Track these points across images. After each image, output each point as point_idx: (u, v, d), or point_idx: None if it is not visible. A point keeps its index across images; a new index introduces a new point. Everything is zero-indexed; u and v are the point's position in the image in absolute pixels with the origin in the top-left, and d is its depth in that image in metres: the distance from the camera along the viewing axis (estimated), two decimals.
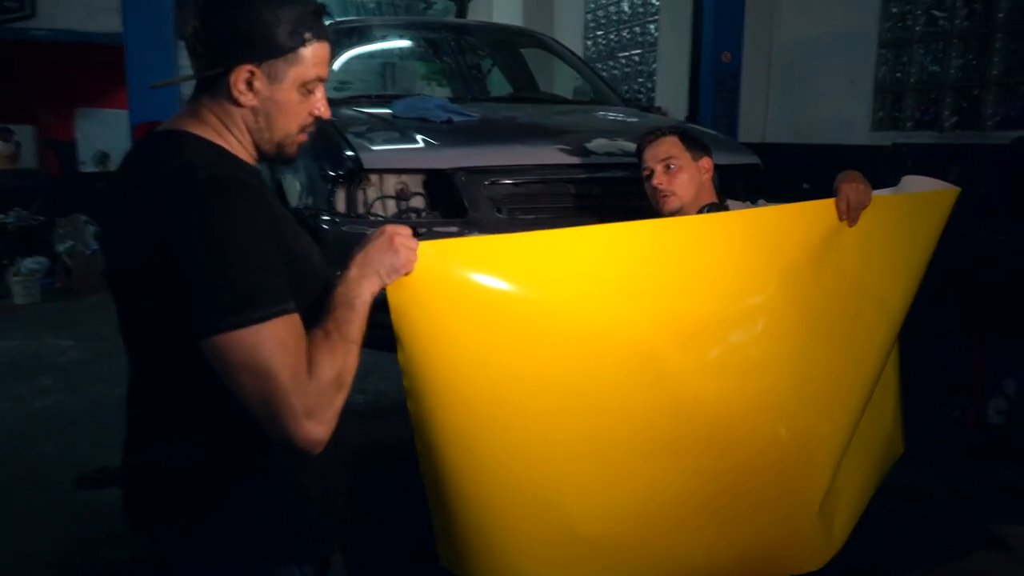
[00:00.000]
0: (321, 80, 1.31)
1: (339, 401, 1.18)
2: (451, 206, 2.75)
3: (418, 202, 2.84)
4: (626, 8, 8.81)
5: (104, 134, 9.78)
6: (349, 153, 2.76)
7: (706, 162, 2.20)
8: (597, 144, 2.81)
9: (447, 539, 1.66)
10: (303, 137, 1.36)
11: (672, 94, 6.89)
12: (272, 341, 1.11)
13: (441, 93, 4.23)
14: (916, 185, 2.06)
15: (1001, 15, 4.38)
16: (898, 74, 5.05)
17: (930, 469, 3.58)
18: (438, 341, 1.49)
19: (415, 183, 2.83)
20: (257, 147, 1.33)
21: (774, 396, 1.79)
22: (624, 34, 8.81)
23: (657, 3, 7.95)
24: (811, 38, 5.56)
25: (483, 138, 2.92)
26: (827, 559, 1.93)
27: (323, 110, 1.34)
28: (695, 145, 2.19)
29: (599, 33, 9.40)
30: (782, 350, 1.80)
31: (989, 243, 4.01)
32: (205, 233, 1.12)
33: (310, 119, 1.34)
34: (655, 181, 2.16)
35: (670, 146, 2.17)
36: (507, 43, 4.88)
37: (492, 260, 1.53)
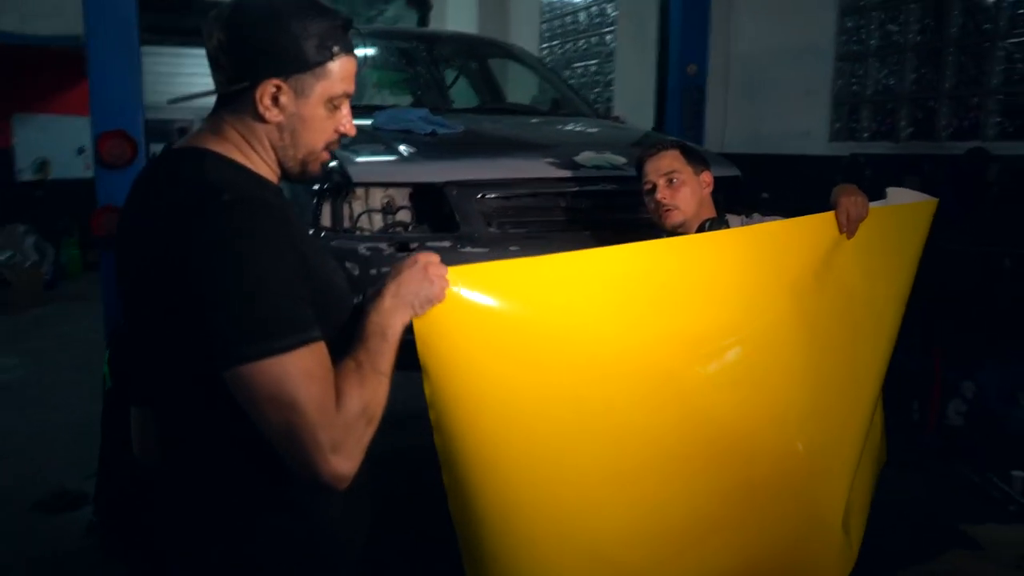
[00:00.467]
0: (348, 96, 1.29)
1: (367, 435, 1.15)
2: (440, 220, 2.72)
3: (405, 216, 2.81)
4: (582, 18, 8.89)
5: (43, 141, 9.45)
6: (335, 166, 2.72)
7: (706, 176, 2.22)
8: (585, 157, 2.82)
9: (476, 571, 1.63)
10: (326, 155, 1.33)
11: (630, 104, 6.97)
12: (298, 372, 1.08)
13: (396, 102, 4.20)
14: (899, 197, 2.14)
15: (953, 29, 4.54)
16: (854, 86, 5.20)
17: (894, 472, 3.69)
18: (466, 370, 1.47)
19: (402, 196, 2.80)
20: (281, 165, 1.29)
21: (789, 410, 1.83)
22: (580, 44, 8.89)
23: (614, 14, 8.05)
24: (769, 51, 5.69)
25: (471, 151, 2.91)
26: (848, 571, 1.97)
27: (348, 127, 1.31)
28: (696, 159, 2.22)
29: (555, 43, 9.46)
30: (794, 363, 1.84)
31: (944, 253, 4.15)
32: (229, 258, 1.09)
33: (335, 136, 1.31)
34: (658, 195, 2.18)
35: (672, 160, 2.19)
36: (475, 53, 4.87)
37: (513, 284, 1.52)
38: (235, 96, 1.24)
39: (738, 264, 1.81)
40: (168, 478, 1.29)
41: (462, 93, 4.75)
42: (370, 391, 1.16)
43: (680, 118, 4.81)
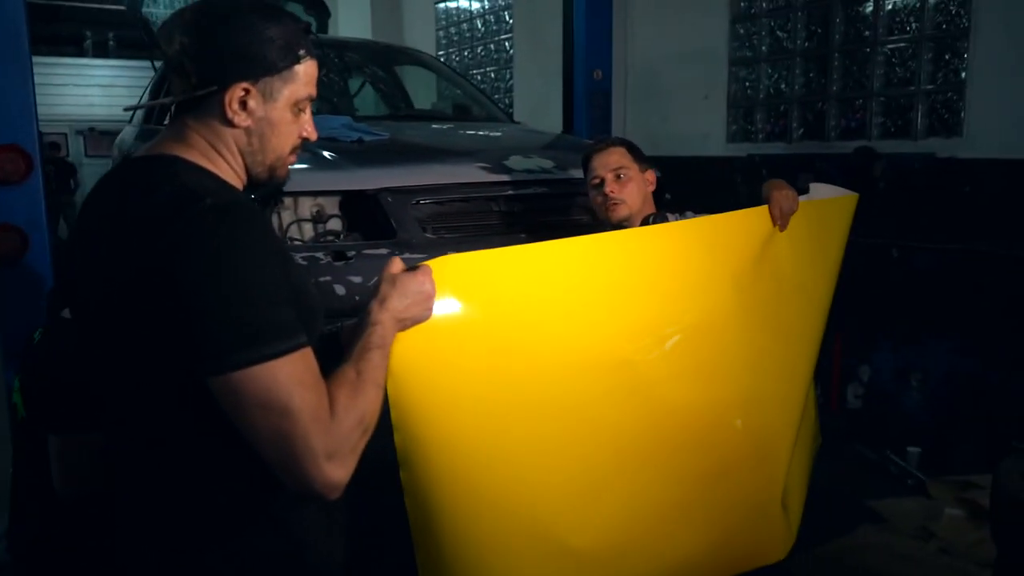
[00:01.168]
0: (311, 99, 1.29)
1: (361, 445, 1.14)
2: (372, 227, 2.71)
3: (335, 224, 2.79)
4: (479, 25, 8.94)
5: None
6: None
7: (650, 175, 2.31)
8: (514, 161, 2.87)
9: (431, 569, 1.63)
10: (293, 159, 1.31)
11: (531, 110, 7.07)
12: (289, 378, 1.06)
13: None
14: (823, 192, 2.27)
15: (837, 36, 4.83)
16: (748, 90, 5.45)
17: None
18: (424, 367, 1.49)
19: (331, 205, 2.78)
20: (248, 171, 1.27)
21: (731, 395, 1.92)
22: (478, 51, 8.94)
23: (511, 20, 8.14)
24: (665, 56, 5.89)
25: (402, 158, 2.91)
26: (789, 548, 2.08)
27: (311, 131, 1.31)
28: (641, 157, 2.30)
29: (451, 50, 9.48)
30: (734, 350, 1.93)
31: None
32: (214, 265, 1.06)
33: (299, 141, 1.30)
34: (607, 188, 2.24)
35: (620, 156, 2.27)
36: (383, 60, 4.85)
37: (465, 279, 1.54)
38: (199, 102, 1.21)
39: (681, 255, 1.89)
40: (130, 504, 1.23)
41: (366, 101, 4.72)
42: (367, 401, 1.15)
43: (588, 122, 4.92)
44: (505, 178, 2.80)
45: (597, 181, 2.28)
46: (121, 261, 1.11)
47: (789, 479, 2.07)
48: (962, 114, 4.10)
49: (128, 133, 4.94)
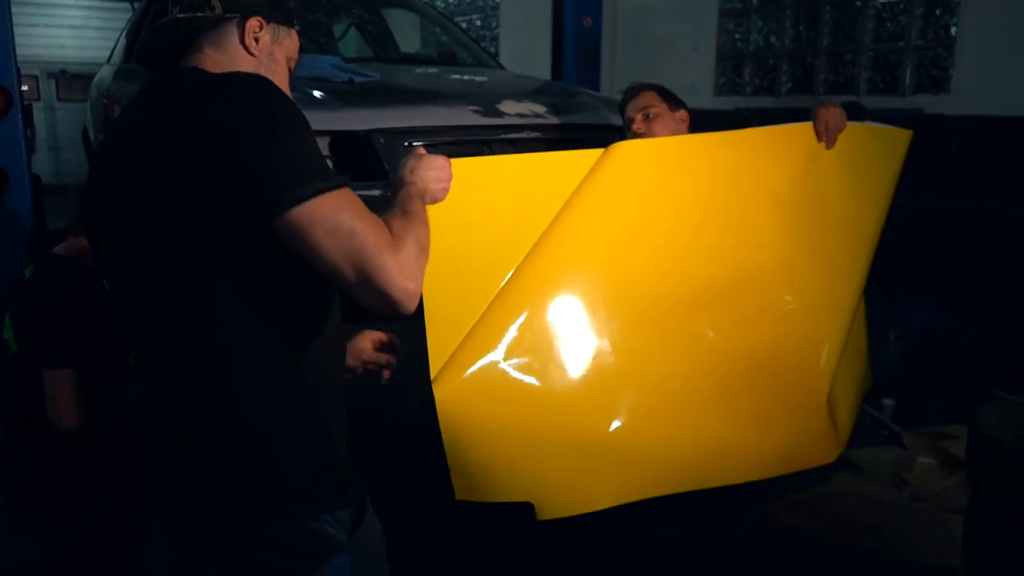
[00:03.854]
0: (294, 67, 1.43)
1: (423, 261, 1.22)
2: (364, 169, 2.69)
3: None
4: None
5: None
6: None
7: (682, 114, 2.30)
8: (506, 105, 2.85)
9: (462, 471, 1.69)
10: None
11: (517, 58, 6.99)
12: (349, 204, 1.15)
13: None
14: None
15: None
16: (738, 43, 5.43)
17: None
18: (460, 252, 1.63)
19: (322, 145, 2.74)
20: None
21: (784, 293, 1.95)
22: None
23: None
24: (655, 5, 5.83)
25: (394, 99, 2.88)
26: (837, 454, 2.08)
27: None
28: (671, 99, 2.30)
29: None
30: (786, 254, 1.95)
31: None
32: (271, 120, 1.16)
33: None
34: (635, 127, 2.25)
35: (649, 98, 2.27)
36: (369, 3, 4.76)
37: (509, 179, 1.68)
38: (217, 33, 1.32)
39: (719, 166, 1.89)
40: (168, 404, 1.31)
41: (351, 44, 4.64)
42: (418, 228, 1.25)
43: (577, 71, 4.88)
44: (498, 121, 2.78)
45: (628, 123, 2.30)
46: (171, 151, 1.18)
47: (837, 387, 2.06)
48: (950, 71, 4.12)
49: (106, 72, 4.83)
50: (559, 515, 1.76)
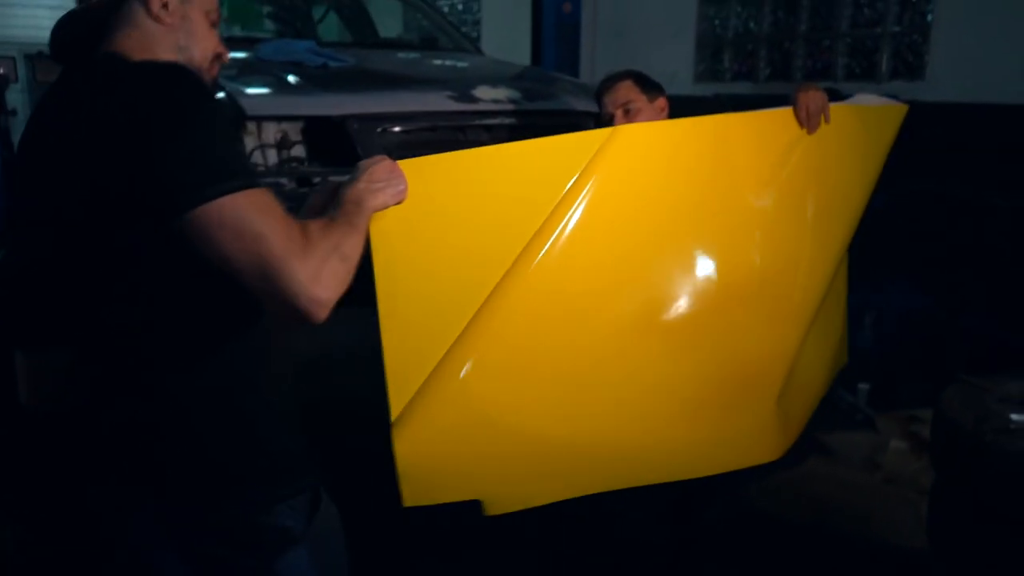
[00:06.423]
0: (216, 21, 1.35)
1: (342, 272, 1.15)
2: (338, 154, 2.68)
3: (299, 151, 2.75)
4: None
5: None
6: (224, 98, 2.61)
7: (661, 101, 2.30)
8: (481, 91, 2.85)
9: (412, 478, 1.62)
10: (215, 71, 1.36)
11: (499, 43, 6.97)
12: (257, 207, 1.09)
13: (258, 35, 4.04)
14: (867, 100, 2.18)
15: None
16: (717, 29, 5.43)
17: None
18: (414, 253, 1.50)
19: (294, 131, 2.74)
20: None
21: (735, 290, 1.88)
22: None
23: None
24: None
25: (369, 84, 2.87)
26: (783, 451, 2.01)
27: (224, 50, 1.36)
28: (649, 86, 2.29)
29: None
30: (744, 246, 1.90)
31: None
32: (179, 113, 1.10)
33: (215, 53, 1.35)
34: (616, 124, 2.24)
35: (627, 90, 2.26)
36: None
37: (469, 175, 1.56)
38: (123, 10, 1.26)
39: (696, 152, 1.83)
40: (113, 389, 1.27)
41: (329, 27, 4.61)
42: (341, 233, 1.18)
43: (556, 56, 4.87)
44: (473, 108, 2.78)
45: (608, 118, 2.28)
46: (84, 141, 1.13)
47: (793, 384, 2.02)
48: (926, 57, 4.14)
49: None
50: (508, 510, 1.71)
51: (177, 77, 1.16)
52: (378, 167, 1.36)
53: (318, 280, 1.10)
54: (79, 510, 1.84)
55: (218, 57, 1.35)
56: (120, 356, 1.25)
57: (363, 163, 1.37)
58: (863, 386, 4.12)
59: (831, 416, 4.00)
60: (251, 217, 1.08)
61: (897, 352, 4.30)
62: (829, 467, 3.48)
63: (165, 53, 1.27)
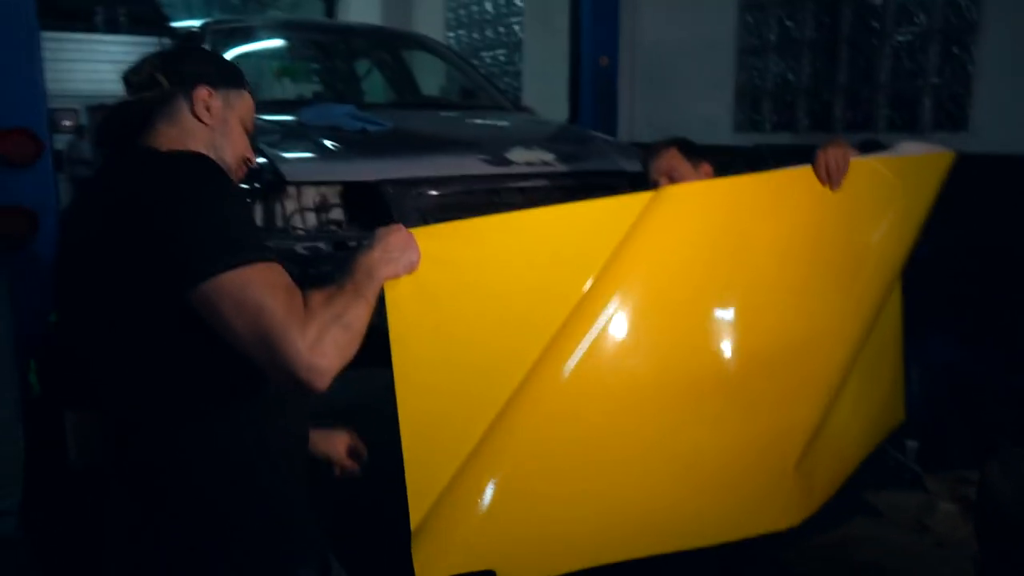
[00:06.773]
0: (251, 129, 1.45)
1: (344, 341, 1.17)
2: (374, 218, 2.74)
3: (337, 214, 2.82)
4: (489, 7, 8.90)
5: None
6: (265, 164, 2.69)
7: (705, 168, 2.31)
8: (516, 154, 2.89)
9: (425, 541, 1.59)
10: (241, 173, 1.45)
11: (540, 94, 7.05)
12: (260, 281, 1.14)
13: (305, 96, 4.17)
14: (910, 150, 2.13)
15: (845, 27, 4.81)
16: (756, 79, 5.43)
17: None
18: (432, 324, 1.50)
19: (333, 195, 2.81)
20: None
21: (759, 360, 1.85)
22: (487, 33, 8.91)
23: (521, 3, 8.11)
24: (673, 43, 5.86)
25: (404, 149, 2.94)
26: (803, 517, 1.97)
27: (252, 156, 1.47)
28: (694, 152, 2.32)
29: (461, 32, 9.45)
30: (769, 314, 1.87)
31: None
32: (191, 196, 1.18)
33: (245, 156, 1.44)
34: None
35: (671, 158, 2.29)
36: (389, 45, 4.86)
37: (485, 242, 1.57)
38: (169, 109, 1.35)
39: (718, 215, 1.82)
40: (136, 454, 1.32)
41: (372, 87, 4.73)
42: (345, 302, 1.20)
43: (594, 110, 4.92)
44: (506, 171, 2.82)
45: (653, 185, 2.27)
46: (116, 222, 1.21)
47: (819, 445, 1.97)
48: (968, 108, 4.09)
49: None
50: None
51: (201, 164, 1.25)
52: (393, 236, 1.38)
53: (317, 349, 1.13)
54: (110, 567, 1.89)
55: (246, 161, 1.45)
56: (135, 416, 1.29)
57: (379, 231, 1.39)
58: (911, 443, 4.00)
59: (879, 475, 3.90)
60: (252, 289, 1.13)
61: (946, 409, 4.17)
62: (877, 529, 3.38)
63: (199, 148, 1.34)
